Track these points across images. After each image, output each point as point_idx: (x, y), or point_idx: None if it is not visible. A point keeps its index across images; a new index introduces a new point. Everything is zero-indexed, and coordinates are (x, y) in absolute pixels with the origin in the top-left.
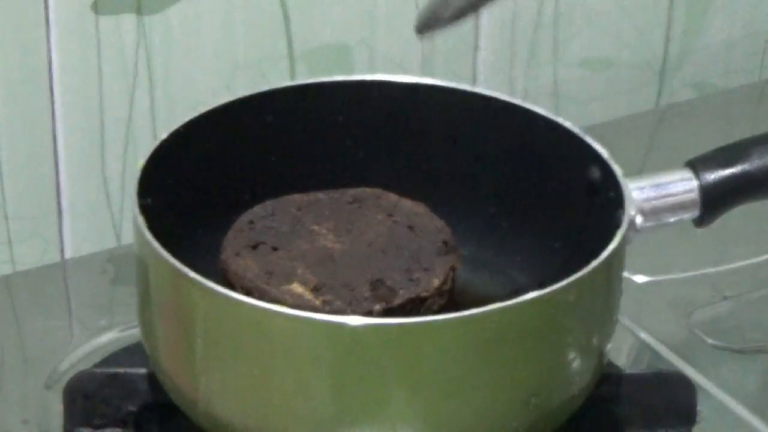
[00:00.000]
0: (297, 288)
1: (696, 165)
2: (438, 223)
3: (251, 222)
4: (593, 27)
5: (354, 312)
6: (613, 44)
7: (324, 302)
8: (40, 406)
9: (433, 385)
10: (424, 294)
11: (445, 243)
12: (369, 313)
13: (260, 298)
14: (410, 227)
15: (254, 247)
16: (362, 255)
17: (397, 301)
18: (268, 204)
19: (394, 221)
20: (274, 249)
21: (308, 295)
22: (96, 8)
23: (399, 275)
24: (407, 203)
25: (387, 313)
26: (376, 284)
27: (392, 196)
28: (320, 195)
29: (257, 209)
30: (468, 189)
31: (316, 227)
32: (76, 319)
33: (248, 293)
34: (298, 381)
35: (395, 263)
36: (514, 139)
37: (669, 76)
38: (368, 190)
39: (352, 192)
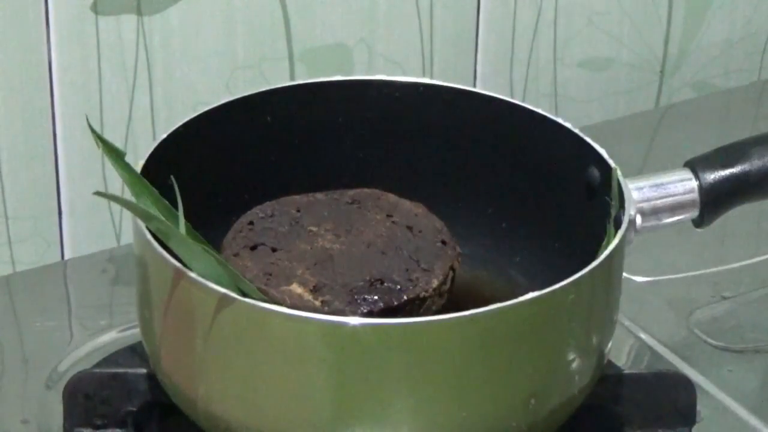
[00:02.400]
0: (296, 288)
1: (696, 165)
2: (437, 223)
3: (250, 223)
4: (593, 27)
5: (353, 312)
6: (613, 44)
7: (323, 302)
8: (40, 406)
9: (433, 385)
10: (423, 294)
11: (444, 243)
12: (368, 314)
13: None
14: (409, 227)
15: (253, 248)
16: (361, 255)
17: (396, 302)
18: (267, 205)
19: (393, 222)
20: (274, 250)
21: (307, 296)
22: (96, 8)
23: (398, 275)
24: (406, 203)
25: (387, 313)
26: (375, 284)
27: (391, 197)
28: (319, 196)
29: (256, 210)
30: (468, 189)
31: (315, 228)
32: (75, 319)
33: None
34: (298, 381)
35: (394, 263)
36: (514, 139)
37: (669, 76)
38: (367, 190)
39: (351, 193)
